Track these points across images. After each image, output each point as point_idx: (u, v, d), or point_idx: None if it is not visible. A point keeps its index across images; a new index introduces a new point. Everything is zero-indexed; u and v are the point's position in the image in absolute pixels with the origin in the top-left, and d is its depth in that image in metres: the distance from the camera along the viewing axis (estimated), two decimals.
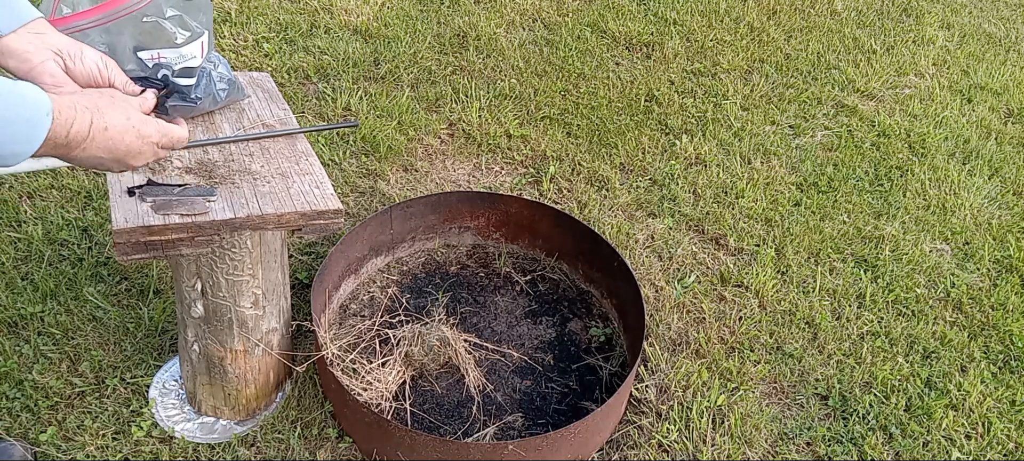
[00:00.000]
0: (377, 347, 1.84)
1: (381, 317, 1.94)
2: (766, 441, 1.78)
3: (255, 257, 1.45)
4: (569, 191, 2.49)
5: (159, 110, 1.23)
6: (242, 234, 1.39)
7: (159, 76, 1.47)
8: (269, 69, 2.85)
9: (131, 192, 1.33)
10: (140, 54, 1.44)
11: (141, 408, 1.69)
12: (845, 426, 1.84)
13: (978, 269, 2.36)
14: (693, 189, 2.56)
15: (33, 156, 1.01)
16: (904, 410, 1.88)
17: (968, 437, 1.84)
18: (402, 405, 1.73)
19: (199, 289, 1.46)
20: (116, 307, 1.89)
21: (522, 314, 2.05)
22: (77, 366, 1.76)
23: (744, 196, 2.53)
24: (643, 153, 2.70)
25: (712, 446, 1.74)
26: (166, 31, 1.44)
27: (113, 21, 1.39)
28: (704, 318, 2.07)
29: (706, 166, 2.66)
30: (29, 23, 1.17)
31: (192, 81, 1.51)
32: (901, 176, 2.74)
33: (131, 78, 1.21)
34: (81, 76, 1.19)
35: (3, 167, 1.00)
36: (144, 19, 1.41)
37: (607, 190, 2.51)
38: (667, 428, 1.76)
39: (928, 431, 1.84)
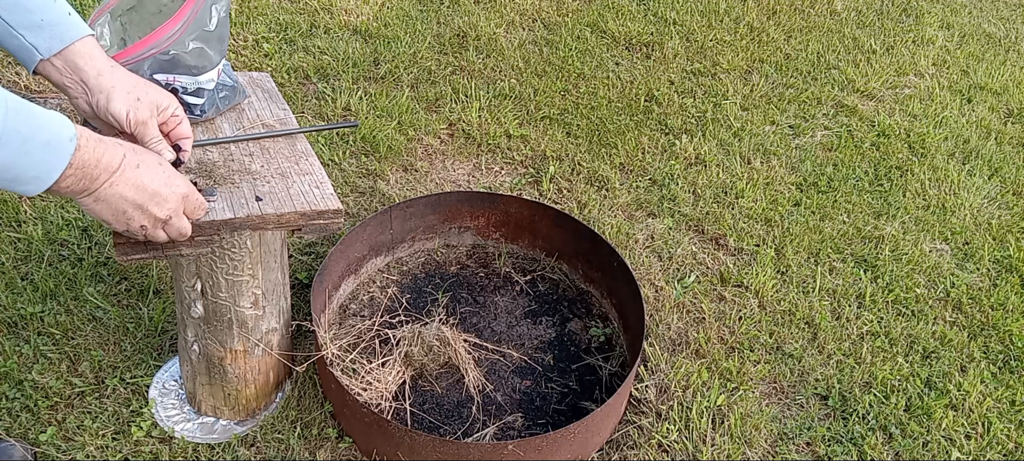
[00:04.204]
0: (377, 347, 1.84)
1: (381, 317, 1.94)
2: (766, 441, 1.78)
3: (255, 257, 1.45)
4: (569, 191, 2.49)
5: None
6: (242, 234, 1.39)
7: (169, 90, 1.48)
8: (269, 69, 2.85)
9: None
10: (156, 76, 1.44)
11: (141, 408, 1.69)
12: (845, 426, 1.84)
13: (978, 269, 2.36)
14: (693, 189, 2.56)
15: (58, 188, 0.98)
16: (904, 410, 1.88)
17: (968, 437, 1.84)
18: (402, 405, 1.73)
19: (199, 289, 1.46)
20: (116, 307, 1.89)
21: (522, 314, 2.05)
22: (77, 366, 1.76)
23: (744, 196, 2.53)
24: (643, 153, 2.70)
25: (712, 446, 1.74)
26: (186, 62, 1.44)
27: (138, 61, 1.39)
28: (704, 318, 2.07)
29: (706, 166, 2.66)
30: (71, 45, 1.15)
31: (201, 101, 1.53)
32: (901, 176, 2.74)
33: None
34: (104, 120, 1.18)
35: (25, 194, 0.98)
36: (168, 52, 1.41)
37: (607, 190, 2.51)
38: (667, 428, 1.76)
39: (928, 431, 1.84)
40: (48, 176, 0.96)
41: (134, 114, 1.19)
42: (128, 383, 1.73)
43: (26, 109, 0.93)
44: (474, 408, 1.77)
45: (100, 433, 1.63)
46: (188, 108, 1.52)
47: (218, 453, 1.63)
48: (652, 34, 3.46)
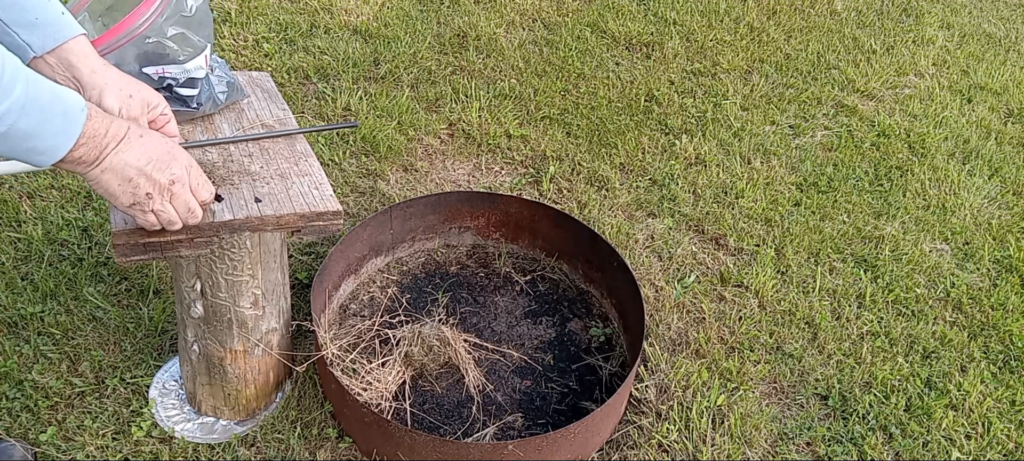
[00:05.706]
0: (377, 347, 1.84)
1: (381, 317, 1.94)
2: (766, 441, 1.78)
3: (254, 257, 1.45)
4: (569, 191, 2.49)
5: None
6: (241, 235, 1.39)
7: (164, 86, 1.48)
8: (269, 69, 2.85)
9: None
10: (145, 69, 1.44)
11: (141, 408, 1.69)
12: (845, 426, 1.84)
13: (978, 269, 2.36)
14: (693, 189, 2.56)
15: (71, 157, 1.02)
16: (904, 410, 1.88)
17: (968, 437, 1.84)
18: (402, 405, 1.73)
19: (199, 289, 1.46)
20: (116, 307, 1.89)
21: (522, 314, 2.05)
22: (77, 366, 1.76)
23: (744, 196, 2.53)
24: (643, 153, 2.70)
25: (712, 446, 1.74)
26: (170, 50, 1.45)
27: (116, 48, 1.40)
28: (704, 318, 2.07)
29: (706, 166, 2.66)
30: (65, 43, 1.18)
31: (195, 92, 1.52)
32: (901, 176, 2.74)
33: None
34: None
35: (39, 165, 1.02)
36: (147, 40, 1.42)
37: (607, 190, 2.51)
38: (667, 428, 1.76)
39: (928, 431, 1.84)
40: (65, 144, 1.00)
41: (126, 110, 1.22)
42: (128, 383, 1.74)
43: (42, 80, 0.97)
44: (474, 408, 1.77)
45: (100, 433, 1.63)
46: (184, 102, 1.52)
47: (218, 453, 1.63)
48: (652, 34, 3.46)
